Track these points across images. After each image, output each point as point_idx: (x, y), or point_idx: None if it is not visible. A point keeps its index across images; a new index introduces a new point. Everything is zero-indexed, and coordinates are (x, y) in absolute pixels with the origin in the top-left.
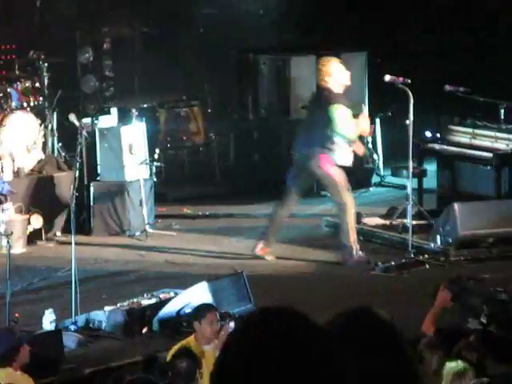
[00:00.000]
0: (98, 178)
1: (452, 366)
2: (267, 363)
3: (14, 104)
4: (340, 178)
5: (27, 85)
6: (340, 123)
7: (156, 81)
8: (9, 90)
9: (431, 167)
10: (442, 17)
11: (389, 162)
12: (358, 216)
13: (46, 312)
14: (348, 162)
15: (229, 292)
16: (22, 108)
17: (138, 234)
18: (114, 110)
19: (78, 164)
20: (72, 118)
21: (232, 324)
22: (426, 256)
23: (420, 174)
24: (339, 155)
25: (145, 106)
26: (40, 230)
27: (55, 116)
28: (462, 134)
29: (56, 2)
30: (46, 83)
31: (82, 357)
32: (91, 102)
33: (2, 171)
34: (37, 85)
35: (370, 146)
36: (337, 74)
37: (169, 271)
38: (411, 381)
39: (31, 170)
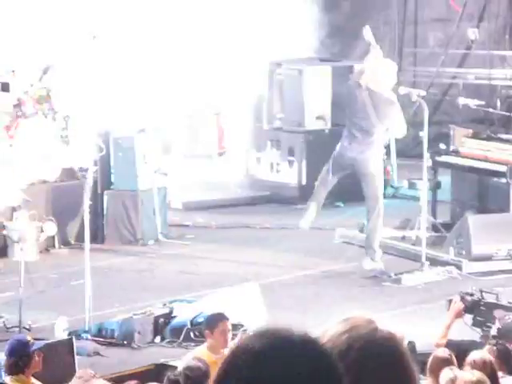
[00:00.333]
0: (112, 187)
1: (468, 376)
2: None
3: (28, 111)
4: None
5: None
6: None
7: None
8: (23, 97)
9: (445, 179)
10: None
11: (403, 174)
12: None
13: (59, 320)
14: None
15: None
16: (36, 115)
17: (151, 242)
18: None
19: (92, 172)
20: None
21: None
22: (440, 268)
23: (434, 186)
24: None
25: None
26: (53, 237)
27: (69, 124)
28: (476, 147)
29: None
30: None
31: (94, 365)
32: None
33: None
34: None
35: (385, 157)
36: None
37: (181, 280)
38: None
39: (45, 177)
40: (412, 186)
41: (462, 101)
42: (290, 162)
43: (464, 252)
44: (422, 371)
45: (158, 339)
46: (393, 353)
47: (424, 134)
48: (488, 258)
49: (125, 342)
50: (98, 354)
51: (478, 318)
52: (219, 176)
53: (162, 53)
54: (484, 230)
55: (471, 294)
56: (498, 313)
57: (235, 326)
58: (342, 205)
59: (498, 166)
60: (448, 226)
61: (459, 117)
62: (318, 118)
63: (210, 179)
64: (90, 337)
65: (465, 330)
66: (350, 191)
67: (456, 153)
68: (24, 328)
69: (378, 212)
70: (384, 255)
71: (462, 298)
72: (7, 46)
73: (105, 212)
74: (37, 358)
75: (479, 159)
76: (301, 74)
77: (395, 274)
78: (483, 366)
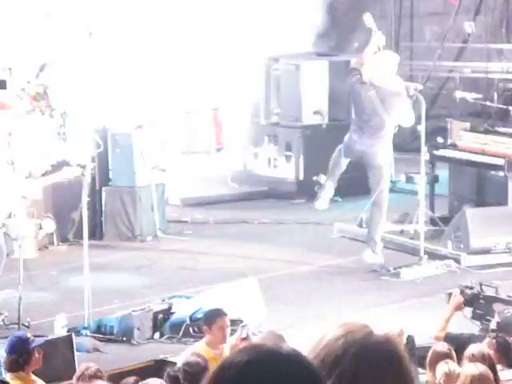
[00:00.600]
0: (110, 184)
1: (471, 369)
2: None
3: (25, 108)
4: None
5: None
6: None
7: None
8: (20, 94)
9: (443, 173)
10: None
11: (400, 168)
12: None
13: (58, 316)
14: None
15: None
16: (33, 112)
17: (149, 238)
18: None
19: (90, 169)
20: None
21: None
22: (438, 262)
23: (432, 180)
24: None
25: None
26: (52, 234)
27: (67, 121)
28: (474, 140)
29: None
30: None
31: (93, 361)
32: None
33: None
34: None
35: None
36: None
37: (180, 276)
38: None
39: (43, 174)
40: (410, 179)
41: (459, 94)
42: (288, 157)
43: (462, 245)
44: (422, 365)
45: (157, 335)
46: (388, 357)
47: (421, 128)
48: (486, 252)
49: (124, 339)
50: (97, 350)
51: (478, 311)
52: (217, 172)
53: (159, 49)
54: (482, 223)
55: (471, 288)
56: (497, 306)
57: (234, 322)
58: (340, 199)
59: (495, 159)
60: (446, 220)
61: (456, 110)
62: (316, 112)
63: (207, 175)
64: (89, 333)
65: (464, 323)
66: (348, 185)
67: (453, 146)
68: (23, 325)
69: (382, 205)
70: (383, 249)
71: (462, 292)
72: (4, 43)
73: (103, 208)
74: (37, 355)
75: (477, 152)
76: (298, 69)
77: (394, 268)
78: (482, 360)
